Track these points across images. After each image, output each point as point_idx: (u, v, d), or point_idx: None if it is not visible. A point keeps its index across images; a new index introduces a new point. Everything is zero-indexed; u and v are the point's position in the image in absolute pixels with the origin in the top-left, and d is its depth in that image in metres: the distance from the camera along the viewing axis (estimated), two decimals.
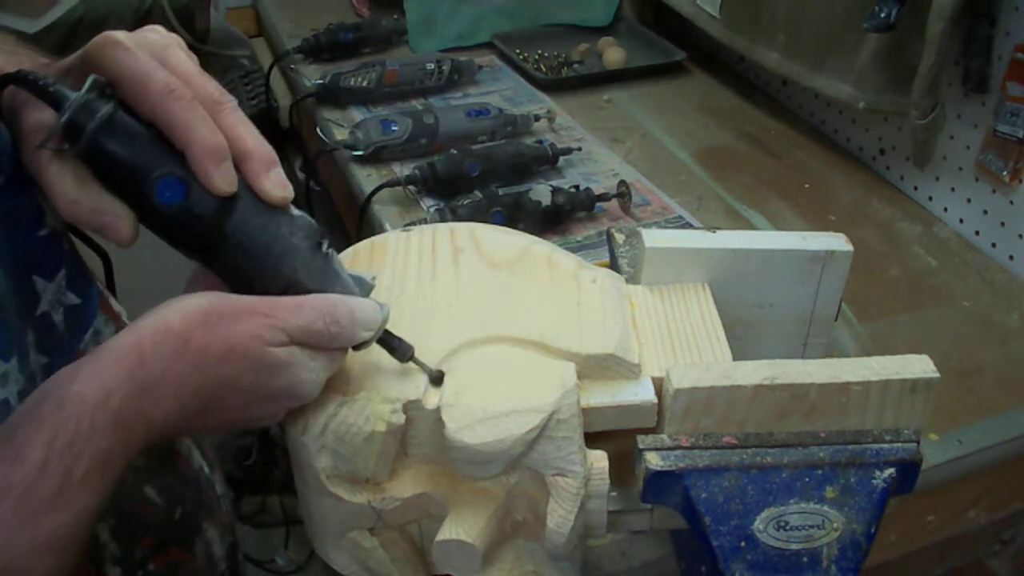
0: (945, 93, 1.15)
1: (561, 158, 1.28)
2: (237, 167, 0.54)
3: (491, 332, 0.62)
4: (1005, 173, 1.11)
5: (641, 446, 0.60)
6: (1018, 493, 0.98)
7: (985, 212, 1.17)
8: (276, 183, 0.54)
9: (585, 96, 1.50)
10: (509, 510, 0.60)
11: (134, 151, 0.52)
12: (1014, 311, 1.08)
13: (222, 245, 0.54)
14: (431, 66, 1.45)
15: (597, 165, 1.31)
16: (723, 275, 0.72)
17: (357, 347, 0.56)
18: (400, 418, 0.57)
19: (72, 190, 0.53)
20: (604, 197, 1.18)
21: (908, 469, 0.60)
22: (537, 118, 1.37)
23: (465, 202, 1.10)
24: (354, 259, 0.68)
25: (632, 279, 0.72)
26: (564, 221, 1.16)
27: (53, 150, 0.52)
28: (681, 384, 0.59)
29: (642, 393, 0.61)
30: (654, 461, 0.59)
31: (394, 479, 0.60)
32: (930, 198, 1.26)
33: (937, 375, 0.60)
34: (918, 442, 0.61)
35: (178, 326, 0.51)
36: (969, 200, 1.20)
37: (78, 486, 0.47)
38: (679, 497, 0.59)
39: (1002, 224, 1.15)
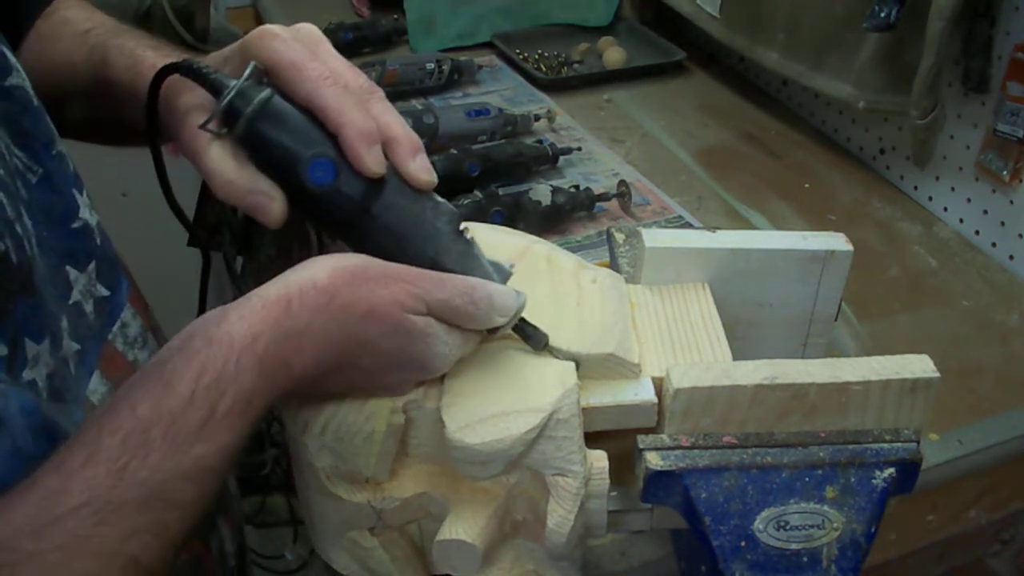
0: (945, 93, 1.15)
1: (561, 158, 1.28)
2: (385, 152, 0.56)
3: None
4: (1005, 173, 1.11)
5: (641, 446, 0.60)
6: (1018, 493, 0.98)
7: (985, 212, 1.17)
8: (422, 167, 0.57)
9: (585, 96, 1.50)
10: (509, 510, 0.60)
11: (288, 134, 0.55)
12: (1014, 311, 1.08)
13: (369, 226, 0.57)
14: (431, 66, 1.45)
15: (597, 165, 1.31)
16: (723, 275, 0.72)
17: (492, 331, 0.57)
18: (400, 418, 0.57)
19: (229, 172, 0.56)
20: (604, 197, 1.18)
21: (908, 469, 0.60)
22: (537, 118, 1.37)
23: (465, 202, 1.10)
24: None
25: (632, 279, 0.72)
26: (564, 221, 1.16)
27: (213, 133, 0.56)
28: (681, 384, 0.59)
29: (642, 393, 0.61)
30: (654, 461, 0.59)
31: (394, 479, 0.60)
32: (930, 198, 1.26)
33: (937, 375, 0.60)
34: (918, 442, 0.61)
35: (325, 282, 0.53)
36: (969, 200, 1.20)
37: (221, 421, 0.49)
38: (679, 497, 0.59)
39: (1002, 224, 1.15)
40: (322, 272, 0.53)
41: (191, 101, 0.58)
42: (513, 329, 0.59)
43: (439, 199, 0.58)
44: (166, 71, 0.58)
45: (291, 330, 0.51)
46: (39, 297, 0.55)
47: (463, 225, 0.58)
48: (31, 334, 0.53)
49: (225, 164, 0.56)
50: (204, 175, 0.57)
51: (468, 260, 0.58)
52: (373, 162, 0.55)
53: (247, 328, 0.50)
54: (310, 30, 0.59)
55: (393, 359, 0.55)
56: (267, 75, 0.56)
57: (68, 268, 0.60)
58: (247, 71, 0.55)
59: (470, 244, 0.58)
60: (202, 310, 0.67)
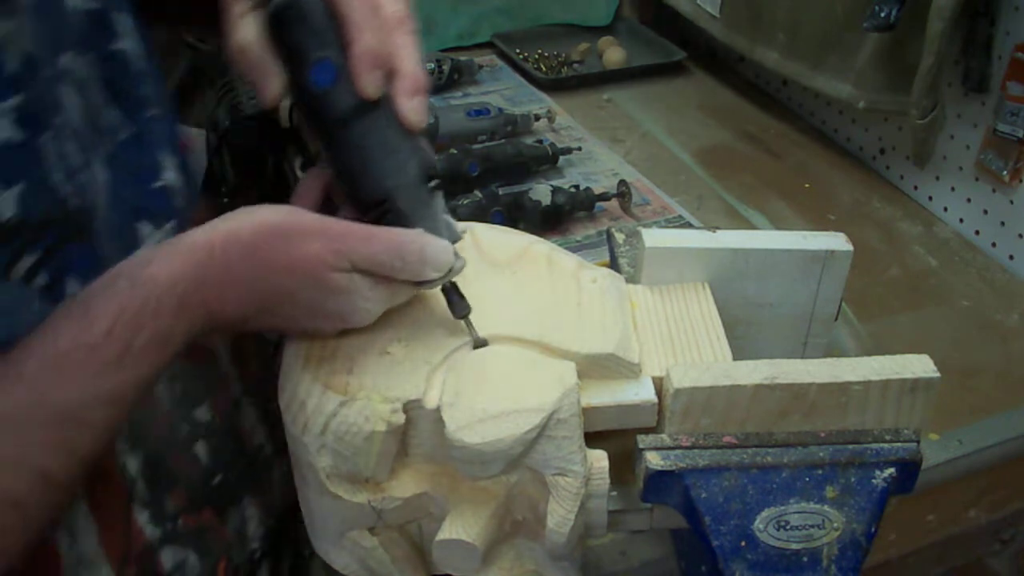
0: (945, 93, 1.15)
1: (561, 158, 1.28)
2: (390, 82, 0.57)
3: (491, 331, 0.62)
4: (1005, 173, 1.11)
5: (641, 446, 0.60)
6: (1018, 493, 0.98)
7: (985, 212, 1.17)
8: (414, 108, 0.57)
9: (585, 96, 1.50)
10: (509, 510, 0.60)
11: (307, 28, 0.57)
12: (1014, 311, 1.08)
13: (345, 141, 0.58)
14: (431, 66, 1.45)
15: (597, 165, 1.31)
16: (723, 275, 0.72)
17: (423, 284, 0.58)
18: (400, 418, 0.57)
19: (246, 39, 0.58)
20: (604, 197, 1.18)
21: (908, 469, 0.60)
22: (537, 118, 1.37)
23: (465, 202, 1.10)
24: None
25: (632, 279, 0.72)
26: (564, 221, 1.16)
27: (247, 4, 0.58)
28: (681, 384, 0.59)
29: (642, 393, 0.61)
30: (654, 461, 0.59)
31: (394, 479, 0.60)
32: (930, 198, 1.26)
33: (937, 375, 0.60)
34: (918, 442, 0.61)
35: (247, 236, 0.55)
36: (969, 200, 1.20)
37: (137, 355, 0.52)
38: (679, 497, 0.59)
39: (1002, 224, 1.15)
40: (247, 225, 0.55)
41: None
42: (443, 291, 0.60)
43: (423, 146, 0.59)
44: None
45: (210, 278, 0.54)
46: (95, 244, 0.58)
47: (434, 179, 0.59)
48: (78, 275, 0.57)
49: (247, 33, 0.58)
50: (226, 39, 0.59)
51: (421, 207, 0.58)
52: (368, 83, 0.56)
53: (168, 271, 0.53)
54: None
55: (313, 310, 0.57)
56: None
57: (141, 224, 0.63)
58: None
59: (431, 195, 0.59)
60: None
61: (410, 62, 0.58)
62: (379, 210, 0.58)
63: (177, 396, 0.68)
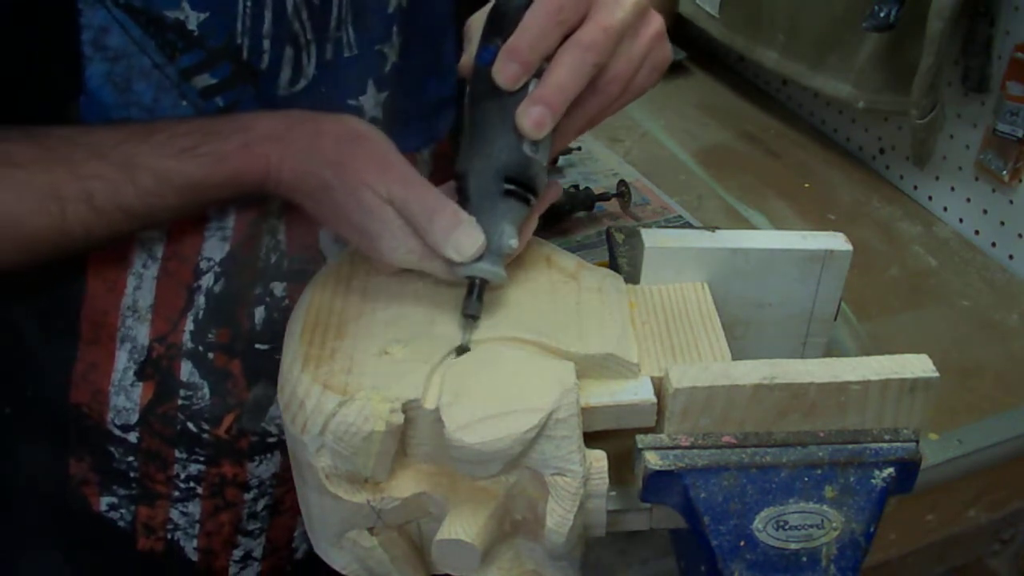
0: (945, 92, 1.15)
1: (561, 158, 1.28)
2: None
3: (491, 331, 0.62)
4: (1005, 172, 1.11)
5: (640, 445, 0.60)
6: (1018, 492, 0.98)
7: (985, 211, 1.18)
8: (530, 113, 0.58)
9: None
10: (508, 509, 0.60)
11: (498, 18, 0.60)
12: (1014, 310, 1.08)
13: (470, 117, 0.61)
14: None
15: (597, 165, 1.31)
16: (722, 274, 0.72)
17: (454, 269, 0.60)
18: (399, 418, 0.57)
19: (475, 18, 0.63)
20: (604, 197, 1.18)
21: (907, 468, 0.60)
22: None
23: None
24: (354, 258, 0.68)
25: (631, 278, 0.72)
26: (564, 221, 1.16)
27: None
28: (680, 383, 0.59)
29: (641, 392, 0.61)
30: (653, 460, 0.59)
31: (393, 479, 0.60)
32: (930, 197, 1.26)
33: (936, 375, 0.60)
34: (917, 441, 0.61)
35: (327, 126, 0.62)
36: (969, 199, 1.20)
37: (197, 157, 0.61)
38: (678, 497, 0.59)
39: (1002, 223, 1.15)
40: (334, 119, 0.63)
41: None
42: (467, 285, 0.61)
43: (530, 153, 0.60)
44: None
45: (283, 140, 0.62)
46: (272, 103, 0.66)
47: (511, 181, 0.60)
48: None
49: (478, 14, 0.63)
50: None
51: (484, 201, 0.60)
52: (498, 70, 0.58)
53: (250, 117, 0.63)
54: None
55: (345, 216, 0.61)
56: None
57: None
58: None
59: (502, 197, 0.60)
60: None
61: (557, 76, 0.58)
62: (458, 187, 0.61)
63: (267, 260, 0.72)
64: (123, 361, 0.71)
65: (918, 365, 0.60)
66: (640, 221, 1.19)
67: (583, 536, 0.61)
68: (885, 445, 0.60)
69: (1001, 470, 0.93)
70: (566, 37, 0.58)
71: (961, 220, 1.21)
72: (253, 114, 0.64)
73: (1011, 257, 1.15)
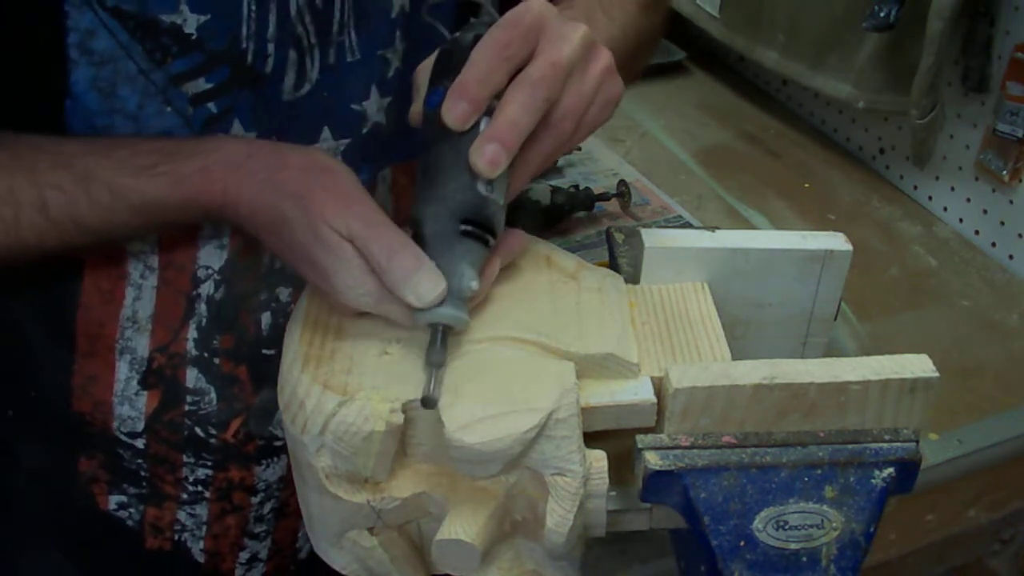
0: (945, 92, 1.15)
1: (561, 158, 1.28)
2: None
3: (490, 332, 0.62)
4: (1005, 172, 1.11)
5: (640, 445, 0.60)
6: (1018, 492, 0.98)
7: (985, 211, 1.18)
8: (483, 153, 0.56)
9: None
10: (508, 509, 0.60)
11: (444, 61, 0.60)
12: (1014, 310, 1.08)
13: (423, 160, 0.60)
14: None
15: (597, 165, 1.31)
16: (722, 275, 0.72)
17: (415, 315, 0.58)
18: (399, 418, 0.57)
19: (423, 66, 0.63)
20: (604, 197, 1.18)
21: (907, 468, 0.60)
22: None
23: None
24: None
25: (631, 278, 0.72)
26: (564, 221, 1.16)
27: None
28: (680, 383, 0.59)
29: (641, 392, 0.61)
30: (653, 460, 0.59)
31: (393, 479, 0.60)
32: (930, 197, 1.26)
33: (936, 375, 0.60)
34: (917, 441, 0.61)
35: (290, 157, 0.61)
36: (969, 199, 1.20)
37: (155, 176, 0.60)
38: (678, 497, 0.59)
39: (1002, 223, 1.16)
40: (300, 151, 0.62)
41: None
42: (431, 330, 0.58)
43: (485, 193, 0.58)
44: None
45: (242, 167, 0.60)
46: (271, 108, 0.66)
47: (469, 224, 0.58)
48: (244, 121, 0.65)
49: (426, 63, 0.62)
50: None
51: (442, 243, 0.58)
52: (447, 109, 0.57)
53: (214, 143, 0.62)
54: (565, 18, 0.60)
55: (303, 253, 0.59)
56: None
57: (323, 128, 0.70)
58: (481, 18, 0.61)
59: (460, 238, 0.58)
60: None
61: (508, 112, 0.56)
62: (414, 233, 0.59)
63: (270, 268, 0.71)
64: (124, 372, 0.71)
65: (918, 365, 0.60)
66: (640, 221, 1.19)
67: (583, 536, 0.61)
68: (885, 445, 0.60)
69: (1001, 470, 0.93)
70: (515, 74, 0.57)
71: (961, 220, 1.21)
72: (219, 139, 0.63)
73: (1011, 257, 1.15)
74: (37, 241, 0.62)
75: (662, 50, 1.60)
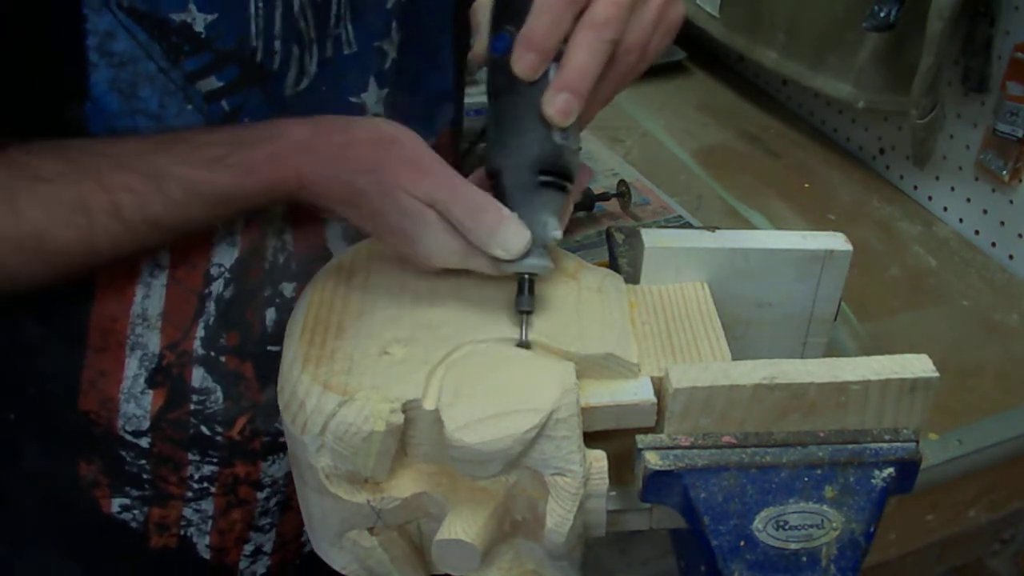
0: (945, 92, 1.15)
1: None
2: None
3: (490, 332, 0.62)
4: (1005, 172, 1.11)
5: (640, 445, 0.60)
6: (1018, 492, 0.98)
7: (985, 211, 1.18)
8: (555, 101, 0.58)
9: None
10: (508, 509, 0.60)
11: (514, 4, 0.58)
12: (1014, 310, 1.08)
13: (493, 110, 0.61)
14: None
15: (597, 165, 1.31)
16: (722, 274, 0.72)
17: (502, 267, 0.60)
18: (399, 418, 0.57)
19: (481, 2, 0.65)
20: (604, 197, 1.18)
21: (907, 468, 0.60)
22: None
23: None
24: (354, 258, 0.68)
25: (631, 278, 0.72)
26: None
27: None
28: (680, 383, 0.59)
29: (641, 392, 0.61)
30: (653, 460, 0.59)
31: (393, 479, 0.60)
32: (930, 197, 1.26)
33: (936, 375, 0.60)
34: (917, 441, 0.61)
35: (358, 132, 0.62)
36: (969, 199, 1.20)
37: (226, 167, 0.60)
38: (678, 497, 0.59)
39: (1002, 223, 1.16)
40: (364, 124, 0.63)
41: None
42: (518, 280, 0.61)
43: (560, 142, 0.60)
44: None
45: (312, 150, 0.61)
46: (277, 105, 0.65)
47: (546, 170, 0.60)
48: (254, 117, 0.65)
49: (481, 7, 0.64)
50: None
51: (522, 194, 0.60)
52: (517, 61, 0.57)
53: (282, 127, 0.62)
54: None
55: (385, 222, 0.61)
56: None
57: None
58: None
59: (539, 188, 0.60)
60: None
61: (577, 59, 0.57)
62: (492, 183, 0.61)
63: (274, 263, 0.71)
64: (133, 369, 0.70)
65: (918, 365, 0.60)
66: (640, 221, 1.19)
67: (583, 536, 0.61)
68: (885, 445, 0.60)
69: (1001, 470, 0.93)
70: (578, 16, 0.57)
71: (961, 220, 1.21)
72: (281, 122, 0.63)
73: (1011, 257, 1.15)
74: (111, 246, 0.61)
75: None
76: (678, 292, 0.71)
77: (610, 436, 0.62)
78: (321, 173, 0.61)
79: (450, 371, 0.59)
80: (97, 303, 0.69)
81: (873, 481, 0.59)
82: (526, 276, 0.60)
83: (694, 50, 1.60)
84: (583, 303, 0.65)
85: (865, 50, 1.20)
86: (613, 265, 0.76)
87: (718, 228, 0.75)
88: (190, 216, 0.62)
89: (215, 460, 0.74)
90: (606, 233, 0.78)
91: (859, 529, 0.58)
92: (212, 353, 0.71)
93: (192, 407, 0.72)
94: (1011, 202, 1.13)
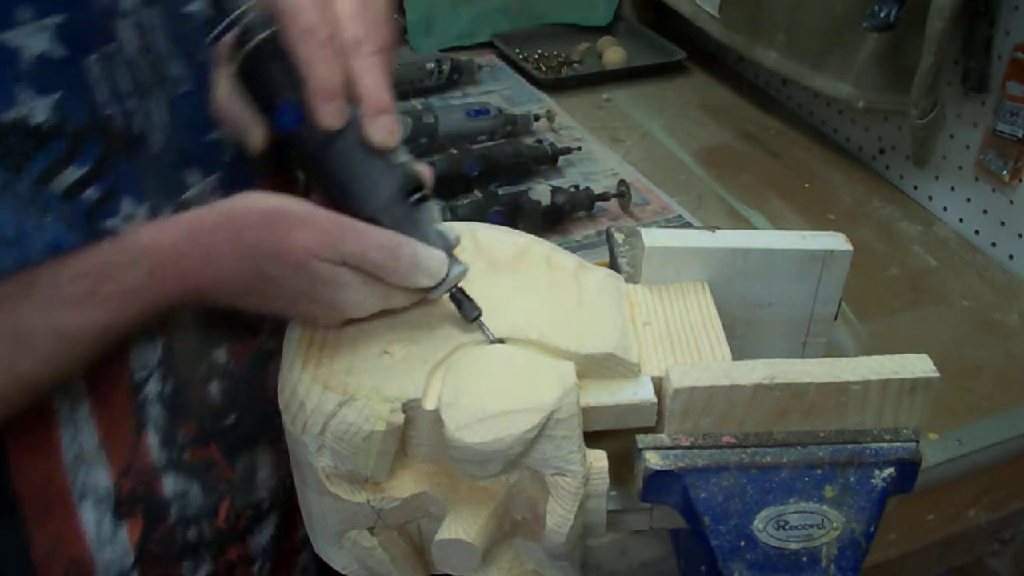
0: (945, 92, 1.15)
1: (561, 158, 1.28)
2: (356, 105, 0.58)
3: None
4: (1005, 172, 1.11)
5: (640, 445, 0.60)
6: (1017, 492, 0.98)
7: (985, 211, 1.18)
8: (380, 128, 0.58)
9: (585, 96, 1.50)
10: (508, 509, 0.60)
11: (270, 75, 0.59)
12: (1014, 310, 1.08)
13: (321, 172, 0.59)
14: (431, 65, 1.46)
15: (597, 165, 1.31)
16: (723, 274, 0.72)
17: (429, 293, 0.59)
18: (399, 417, 0.57)
19: (227, 93, 0.60)
20: (604, 197, 1.18)
21: (907, 468, 0.60)
22: (537, 118, 1.37)
23: (465, 202, 1.10)
24: None
25: (632, 278, 0.72)
26: (564, 221, 1.16)
27: (225, 62, 0.60)
28: (680, 383, 0.59)
29: (641, 392, 0.61)
30: (653, 460, 0.59)
31: (393, 478, 0.60)
32: (930, 197, 1.26)
33: (936, 374, 0.60)
34: (917, 441, 0.61)
35: (238, 218, 0.57)
36: (969, 199, 1.20)
37: (99, 303, 0.55)
38: (678, 496, 0.59)
39: (1002, 223, 1.15)
40: (241, 208, 0.58)
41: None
42: (450, 298, 0.61)
43: (399, 160, 0.59)
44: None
45: (193, 253, 0.57)
46: (148, 169, 0.61)
47: (416, 191, 0.59)
48: (133, 195, 0.59)
49: (226, 86, 0.60)
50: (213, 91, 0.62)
51: (406, 222, 0.58)
52: (325, 115, 0.57)
53: (151, 238, 0.57)
54: None
55: (300, 297, 0.58)
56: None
57: (190, 171, 0.64)
58: (243, 9, 0.59)
59: (414, 208, 0.59)
60: None
61: (370, 84, 0.57)
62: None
63: (200, 335, 0.68)
64: (92, 516, 0.64)
65: (918, 365, 0.60)
66: (640, 221, 1.19)
67: (583, 536, 0.61)
68: (885, 445, 0.60)
69: (1001, 470, 0.93)
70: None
71: (961, 220, 1.21)
72: (145, 230, 0.57)
73: (1011, 257, 1.15)
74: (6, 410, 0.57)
75: (662, 50, 1.60)
76: (678, 292, 0.71)
77: (610, 436, 0.62)
78: (218, 275, 0.57)
79: (450, 371, 0.59)
80: (16, 468, 0.61)
81: (873, 481, 0.59)
82: (455, 290, 0.60)
83: (694, 50, 1.60)
84: (583, 303, 0.65)
85: (865, 50, 1.20)
86: (613, 265, 0.76)
87: (718, 228, 0.75)
88: (75, 356, 0.57)
89: (208, 558, 0.71)
90: (606, 233, 0.78)
91: (859, 529, 0.58)
92: (174, 455, 0.67)
93: (173, 518, 0.68)
94: (1011, 202, 1.13)
